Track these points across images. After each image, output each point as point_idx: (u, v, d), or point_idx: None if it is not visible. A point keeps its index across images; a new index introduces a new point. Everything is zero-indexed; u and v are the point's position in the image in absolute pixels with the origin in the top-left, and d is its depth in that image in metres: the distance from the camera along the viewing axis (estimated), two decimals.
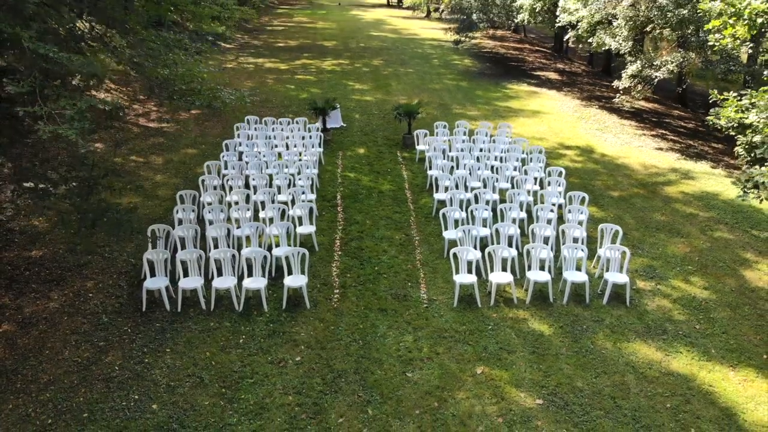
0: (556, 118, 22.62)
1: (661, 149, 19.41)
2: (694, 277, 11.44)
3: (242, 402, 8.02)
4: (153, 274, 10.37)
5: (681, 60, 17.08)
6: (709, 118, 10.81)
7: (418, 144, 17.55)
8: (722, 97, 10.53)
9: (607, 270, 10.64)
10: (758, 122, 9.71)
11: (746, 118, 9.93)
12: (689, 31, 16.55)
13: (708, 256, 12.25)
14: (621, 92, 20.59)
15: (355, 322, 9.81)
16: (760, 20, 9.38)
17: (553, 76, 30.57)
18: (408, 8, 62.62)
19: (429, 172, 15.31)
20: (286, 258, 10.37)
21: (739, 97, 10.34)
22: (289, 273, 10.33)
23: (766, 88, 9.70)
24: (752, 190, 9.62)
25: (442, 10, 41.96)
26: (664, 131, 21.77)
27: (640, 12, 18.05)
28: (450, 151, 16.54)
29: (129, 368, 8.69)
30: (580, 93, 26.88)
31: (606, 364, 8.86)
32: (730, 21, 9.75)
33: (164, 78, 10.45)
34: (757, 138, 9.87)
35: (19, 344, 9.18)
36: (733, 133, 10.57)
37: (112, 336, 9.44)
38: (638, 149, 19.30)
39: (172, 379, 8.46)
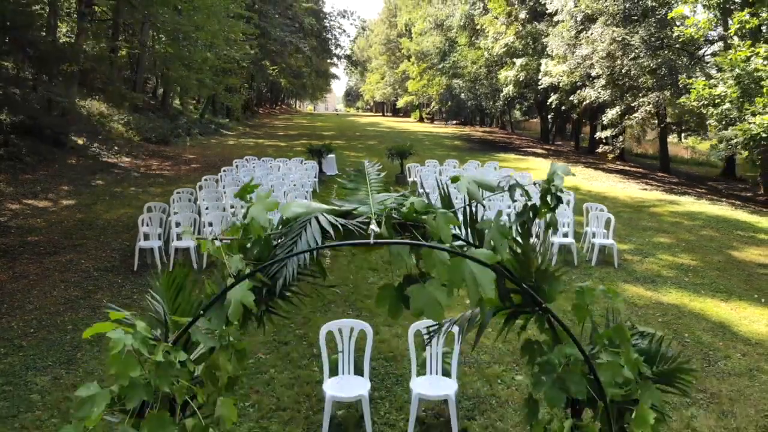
0: (543, 173, 23.44)
1: (645, 189, 20.07)
2: (682, 254, 11.58)
3: None
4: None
5: (656, 99, 18.22)
6: (680, 100, 11.55)
7: (410, 176, 18.20)
8: (690, 81, 11.36)
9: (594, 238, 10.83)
10: (725, 92, 10.44)
11: (715, 91, 10.68)
12: (662, 73, 17.81)
13: (695, 244, 12.45)
14: (603, 141, 21.59)
15: (345, 275, 9.86)
16: (715, 1, 10.42)
17: (540, 151, 32.02)
18: (401, 113, 66.28)
19: (420, 191, 15.79)
20: None
21: (706, 77, 11.21)
22: None
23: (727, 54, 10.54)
24: (725, 148, 10.13)
25: (433, 106, 44.54)
26: (648, 180, 22.58)
27: (616, 63, 19.49)
28: (441, 177, 17.12)
29: (117, 302, 8.62)
30: (566, 160, 28.07)
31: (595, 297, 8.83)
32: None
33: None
34: (726, 105, 10.54)
35: (8, 288, 9.14)
36: (704, 111, 11.24)
37: (102, 283, 9.43)
38: (623, 189, 19.95)
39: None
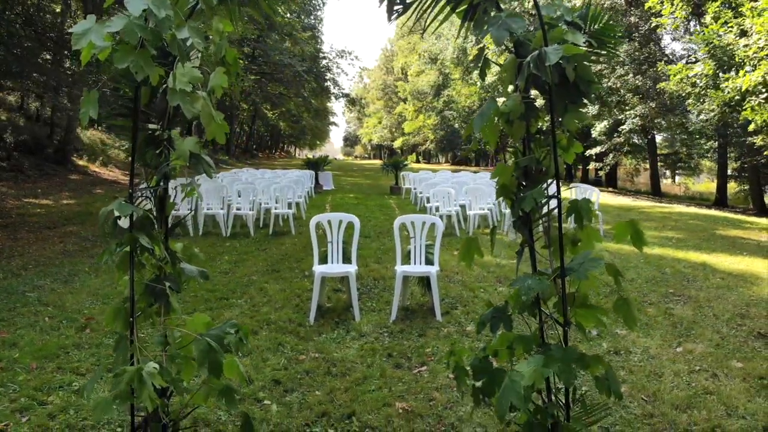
0: None
1: (636, 201, 20.46)
2: (668, 231, 11.86)
3: (226, 261, 8.14)
4: None
5: (643, 111, 18.85)
6: (660, 85, 12.06)
7: (404, 184, 18.59)
8: (669, 66, 11.90)
9: None
10: (702, 71, 10.97)
11: (693, 71, 11.21)
12: (648, 87, 18.50)
13: (681, 226, 12.73)
14: (594, 158, 22.11)
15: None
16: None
17: None
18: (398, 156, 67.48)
19: (413, 190, 16.15)
20: (275, 207, 10.86)
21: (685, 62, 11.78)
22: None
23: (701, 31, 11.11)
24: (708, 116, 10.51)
25: (428, 144, 45.47)
26: (638, 197, 23.01)
27: (603, 81, 20.23)
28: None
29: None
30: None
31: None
32: None
33: None
34: (702, 82, 11.03)
35: (8, 245, 9.35)
36: (684, 95, 11.74)
37: (99, 244, 9.64)
38: (614, 200, 20.34)
39: None
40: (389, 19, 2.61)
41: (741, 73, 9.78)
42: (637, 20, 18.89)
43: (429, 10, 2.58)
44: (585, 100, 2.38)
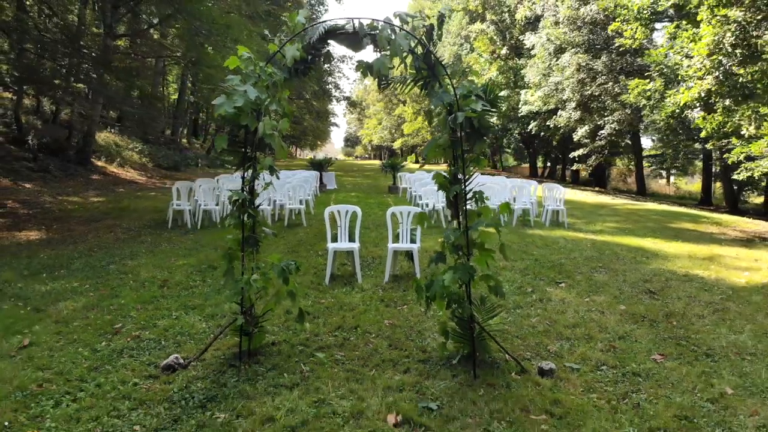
0: None
1: (615, 199, 22.37)
2: (625, 224, 13.76)
3: None
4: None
5: (620, 117, 20.79)
6: (622, 97, 13.97)
7: (401, 184, 20.50)
8: (628, 81, 13.81)
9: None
10: (657, 87, 12.86)
11: (647, 86, 13.11)
12: (625, 97, 20.47)
13: (640, 221, 14.64)
14: (577, 159, 23.99)
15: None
16: (646, 14, 12.93)
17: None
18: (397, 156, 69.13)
19: (408, 189, 18.05)
20: (289, 203, 12.76)
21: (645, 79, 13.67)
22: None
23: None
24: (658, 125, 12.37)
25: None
26: (619, 195, 24.91)
27: (585, 88, 22.15)
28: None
29: (160, 241, 10.74)
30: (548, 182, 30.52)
31: (543, 239, 10.98)
32: (626, 17, 13.34)
33: None
34: (654, 96, 12.95)
35: (67, 235, 11.25)
36: (641, 106, 13.65)
37: (144, 232, 11.55)
38: (594, 198, 22.26)
39: (195, 244, 10.51)
40: (379, 90, 4.55)
41: (681, 89, 11.65)
42: (614, 33, 20.78)
43: (402, 85, 4.53)
44: (485, 138, 4.30)
